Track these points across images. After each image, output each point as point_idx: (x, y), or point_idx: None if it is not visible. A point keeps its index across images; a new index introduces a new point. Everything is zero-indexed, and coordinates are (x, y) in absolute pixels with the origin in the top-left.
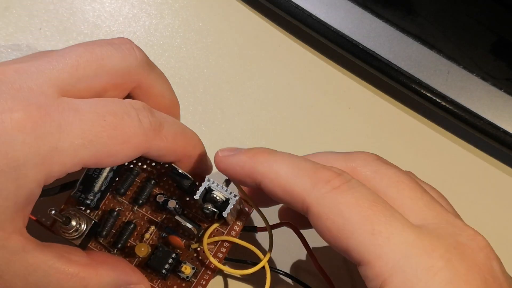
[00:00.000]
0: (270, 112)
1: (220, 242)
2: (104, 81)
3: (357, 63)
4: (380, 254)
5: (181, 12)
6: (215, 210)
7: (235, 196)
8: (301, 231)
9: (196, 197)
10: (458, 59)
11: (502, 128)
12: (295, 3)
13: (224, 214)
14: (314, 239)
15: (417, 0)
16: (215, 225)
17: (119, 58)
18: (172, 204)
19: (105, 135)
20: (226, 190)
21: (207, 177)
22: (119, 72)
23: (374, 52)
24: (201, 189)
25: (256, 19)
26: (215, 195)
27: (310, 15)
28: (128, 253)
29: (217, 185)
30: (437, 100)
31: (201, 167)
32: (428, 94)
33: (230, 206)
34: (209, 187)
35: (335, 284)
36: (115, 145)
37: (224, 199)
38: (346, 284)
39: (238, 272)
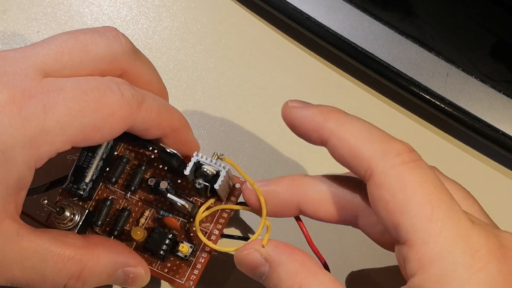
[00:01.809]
0: (269, 114)
1: (216, 218)
2: (90, 68)
3: (356, 66)
4: (428, 241)
5: (179, 15)
6: (206, 184)
7: (224, 167)
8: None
9: (186, 172)
10: (457, 61)
11: (501, 130)
12: (293, 6)
13: (216, 186)
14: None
15: (416, 2)
16: (210, 201)
17: (104, 45)
18: (163, 185)
19: (89, 110)
20: (216, 163)
21: (195, 152)
22: (104, 59)
23: (372, 54)
24: (191, 164)
25: (254, 22)
26: (205, 169)
27: (308, 18)
28: (125, 239)
29: (206, 159)
30: (436, 102)
31: (188, 144)
32: (427, 97)
33: (221, 178)
34: (198, 162)
35: (326, 260)
36: (101, 119)
37: (215, 172)
38: (337, 261)
39: (231, 250)
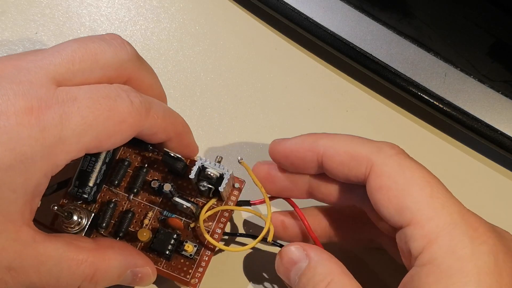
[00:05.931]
0: (267, 115)
1: (218, 217)
2: (98, 75)
3: (354, 66)
4: (432, 217)
5: (177, 16)
6: (210, 186)
7: (228, 170)
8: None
9: (191, 176)
10: (456, 62)
11: (500, 130)
12: (291, 6)
13: (221, 188)
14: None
15: (414, 3)
16: (212, 201)
17: (112, 53)
18: (167, 187)
19: (102, 118)
20: (219, 167)
21: (198, 155)
22: (112, 66)
23: (371, 55)
24: (195, 168)
25: (252, 22)
26: (209, 172)
27: (306, 18)
28: (130, 240)
29: (210, 163)
30: (435, 102)
31: (190, 147)
32: (426, 97)
33: (225, 181)
34: (203, 165)
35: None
36: (113, 126)
37: (219, 175)
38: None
39: (236, 250)
